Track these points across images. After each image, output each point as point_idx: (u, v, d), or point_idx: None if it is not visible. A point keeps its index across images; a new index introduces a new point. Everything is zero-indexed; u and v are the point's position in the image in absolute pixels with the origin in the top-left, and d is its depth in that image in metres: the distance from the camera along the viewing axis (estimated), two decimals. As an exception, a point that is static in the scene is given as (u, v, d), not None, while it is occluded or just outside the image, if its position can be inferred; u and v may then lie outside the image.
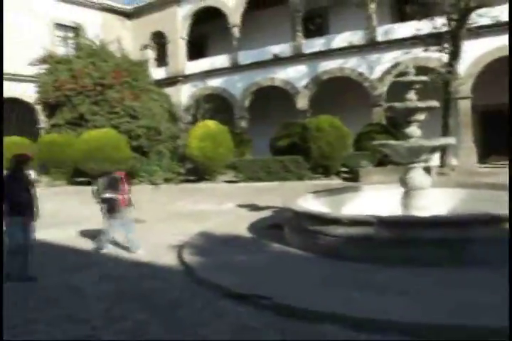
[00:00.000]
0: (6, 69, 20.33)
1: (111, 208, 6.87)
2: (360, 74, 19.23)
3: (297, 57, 20.67)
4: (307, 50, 20.52)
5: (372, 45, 18.91)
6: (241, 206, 10.86)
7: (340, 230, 5.64)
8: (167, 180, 17.13)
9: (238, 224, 8.25)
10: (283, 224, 6.97)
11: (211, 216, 9.79)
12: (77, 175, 18.94)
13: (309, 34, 20.82)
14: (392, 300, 4.21)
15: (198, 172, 17.33)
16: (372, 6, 18.72)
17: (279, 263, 5.67)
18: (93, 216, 10.45)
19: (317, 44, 20.45)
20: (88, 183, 18.23)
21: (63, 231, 8.64)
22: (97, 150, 17.09)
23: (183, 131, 20.63)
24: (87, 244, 7.61)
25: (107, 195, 6.81)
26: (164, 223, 9.26)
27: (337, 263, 5.41)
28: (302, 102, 20.53)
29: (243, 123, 21.90)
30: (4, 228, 5.62)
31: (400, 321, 3.76)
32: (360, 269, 5.15)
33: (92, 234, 8.47)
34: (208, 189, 15.51)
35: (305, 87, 20.48)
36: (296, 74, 20.75)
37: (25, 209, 5.65)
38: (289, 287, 4.74)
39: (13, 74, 20.90)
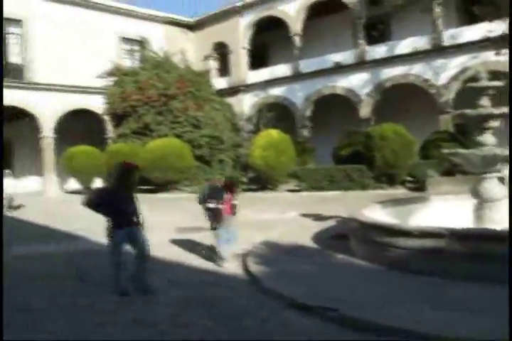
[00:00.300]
0: (77, 82, 21.56)
1: (215, 217, 6.79)
2: (426, 80, 18.74)
3: (359, 65, 20.46)
4: (369, 57, 20.27)
5: (438, 50, 18.40)
6: (304, 215, 10.83)
7: (409, 242, 5.49)
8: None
9: (302, 233, 8.24)
10: (348, 234, 6.88)
11: (274, 225, 9.81)
12: (143, 183, 19.61)
13: (371, 41, 20.58)
14: (462, 317, 4.04)
15: (261, 181, 17.48)
16: (438, 10, 18.22)
17: (345, 275, 5.61)
18: (160, 224, 10.85)
19: (380, 51, 20.17)
20: (152, 191, 18.90)
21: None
22: (161, 159, 17.66)
23: (245, 140, 20.93)
24: (152, 251, 7.79)
25: (210, 205, 6.78)
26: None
27: (405, 276, 5.27)
28: (365, 110, 20.26)
29: (305, 132, 21.89)
30: (109, 240, 5.41)
31: (470, 340, 3.62)
32: (429, 283, 5.00)
33: (158, 241, 8.71)
34: (271, 198, 15.59)
35: (368, 94, 20.21)
36: (358, 82, 20.53)
37: (132, 219, 5.42)
38: (355, 299, 4.67)
39: (83, 87, 22.04)
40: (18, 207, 13.63)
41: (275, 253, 6.88)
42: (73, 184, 21.78)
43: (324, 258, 6.43)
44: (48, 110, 21.08)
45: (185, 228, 10.07)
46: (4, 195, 13.01)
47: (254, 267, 6.12)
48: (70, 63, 21.46)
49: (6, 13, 20.29)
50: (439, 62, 18.41)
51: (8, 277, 6.53)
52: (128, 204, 5.38)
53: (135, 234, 5.44)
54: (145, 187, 19.72)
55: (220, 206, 6.78)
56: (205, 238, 8.76)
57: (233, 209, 7.04)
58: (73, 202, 17.77)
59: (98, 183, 21.37)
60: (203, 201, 6.91)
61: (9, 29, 20.93)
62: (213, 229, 6.87)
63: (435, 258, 5.28)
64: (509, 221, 5.03)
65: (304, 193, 16.05)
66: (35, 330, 4.44)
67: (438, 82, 18.43)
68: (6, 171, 13.71)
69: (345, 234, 7.08)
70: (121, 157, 19.04)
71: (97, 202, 5.36)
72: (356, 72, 20.56)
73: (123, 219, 5.33)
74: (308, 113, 22.06)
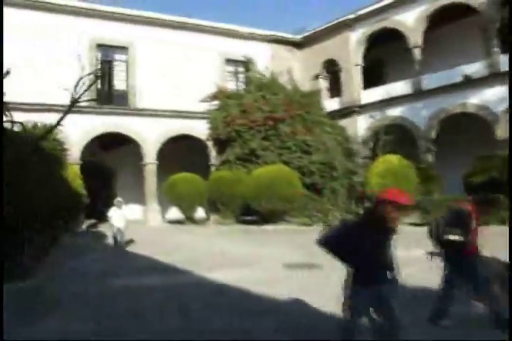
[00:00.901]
0: (180, 107, 22.65)
1: (456, 257, 5.45)
2: None
3: (494, 77, 19.36)
4: (506, 68, 19.13)
5: None
6: (432, 254, 10.25)
7: None
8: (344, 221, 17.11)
9: (432, 276, 7.73)
10: (492, 280, 6.33)
11: (397, 264, 9.42)
12: (246, 213, 19.97)
13: (508, 48, 19.45)
14: None
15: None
16: None
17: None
18: (265, 258, 10.90)
19: (520, 59, 18.98)
20: (256, 222, 19.13)
21: (232, 273, 9.17)
22: (267, 187, 17.89)
23: (360, 166, 20.59)
24: (257, 288, 7.79)
25: (450, 237, 5.37)
26: (342, 269, 9.14)
27: None
28: (502, 130, 19.03)
29: (429, 157, 21.02)
30: (346, 299, 4.29)
31: None
32: None
33: (260, 279, 8.71)
34: (390, 232, 15.10)
35: (506, 111, 19.00)
36: (493, 98, 19.39)
37: (385, 273, 4.17)
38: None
39: (186, 112, 23.07)
40: (129, 241, 14.22)
41: (402, 301, 6.52)
42: (175, 213, 22.69)
43: (464, 308, 5.95)
44: (150, 136, 22.36)
45: (295, 264, 10.01)
46: (113, 230, 13.56)
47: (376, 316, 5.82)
48: (173, 88, 22.70)
49: (112, 41, 22.19)
50: None
51: (113, 310, 6.87)
52: (380, 252, 4.15)
53: (384, 296, 4.19)
54: (248, 218, 20.07)
55: (465, 239, 5.30)
56: (318, 276, 8.63)
57: (477, 248, 5.51)
58: (175, 232, 18.60)
59: (200, 212, 22.10)
60: (436, 233, 5.50)
61: (115, 56, 22.77)
62: (451, 273, 5.54)
63: None
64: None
65: (430, 227, 15.31)
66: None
67: None
68: (119, 199, 14.31)
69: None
70: (225, 184, 19.74)
71: (337, 242, 4.23)
72: (490, 86, 19.45)
73: (371, 272, 4.15)
74: (432, 135, 21.20)
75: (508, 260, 6.26)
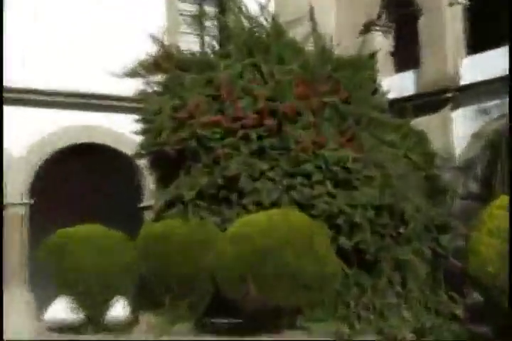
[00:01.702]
0: (81, 86, 22.73)
1: None
2: None
3: None
4: None
5: None
6: None
7: None
8: (421, 333, 16.93)
9: None
10: None
11: None
12: (218, 310, 19.85)
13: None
14: None
15: (497, 312, 16.97)
16: None
17: None
18: None
19: None
20: (237, 330, 18.96)
21: None
22: (263, 258, 17.73)
23: (457, 216, 20.54)
24: None
25: None
26: None
27: None
28: None
29: None
30: None
31: None
32: None
33: None
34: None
35: None
36: None
37: None
38: None
39: (95, 96, 23.23)
40: None
41: None
42: (63, 309, 22.36)
43: None
44: (15, 146, 22.27)
45: None
46: None
47: None
48: (71, 48, 22.82)
49: None
50: None
51: None
52: None
53: None
54: (222, 321, 19.92)
55: None
56: None
57: None
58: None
59: (119, 309, 21.86)
60: None
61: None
62: None
63: None
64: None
65: None
66: None
67: None
68: None
69: None
70: (173, 251, 19.62)
71: None
72: None
73: None
74: None
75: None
